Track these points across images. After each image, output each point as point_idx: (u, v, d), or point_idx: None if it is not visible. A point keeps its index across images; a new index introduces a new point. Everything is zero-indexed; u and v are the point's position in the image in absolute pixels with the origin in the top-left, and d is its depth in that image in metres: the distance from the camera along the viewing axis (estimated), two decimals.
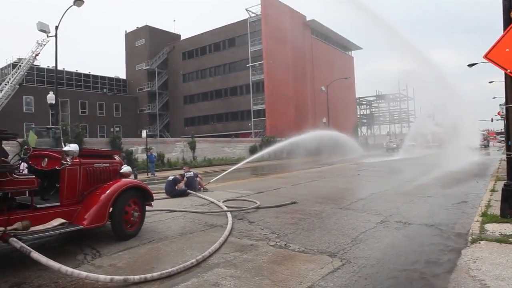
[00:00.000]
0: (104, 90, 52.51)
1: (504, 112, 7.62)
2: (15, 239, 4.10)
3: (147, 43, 54.75)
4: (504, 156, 9.21)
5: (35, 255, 3.97)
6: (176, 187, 10.29)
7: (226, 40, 48.99)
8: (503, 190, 6.27)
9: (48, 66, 46.77)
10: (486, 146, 47.27)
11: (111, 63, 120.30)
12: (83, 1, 19.01)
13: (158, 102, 54.74)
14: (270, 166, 24.43)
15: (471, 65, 27.76)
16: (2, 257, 4.81)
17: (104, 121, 49.95)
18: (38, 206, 4.69)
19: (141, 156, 25.01)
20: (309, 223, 6.63)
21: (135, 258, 4.79)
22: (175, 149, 29.68)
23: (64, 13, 19.65)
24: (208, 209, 8.08)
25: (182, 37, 57.17)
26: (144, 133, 23.62)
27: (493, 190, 9.24)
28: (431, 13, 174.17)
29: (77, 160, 5.21)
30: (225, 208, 7.83)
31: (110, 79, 56.75)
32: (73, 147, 5.26)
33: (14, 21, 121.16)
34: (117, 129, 45.37)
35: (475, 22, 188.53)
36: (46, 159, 5.36)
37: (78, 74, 52.84)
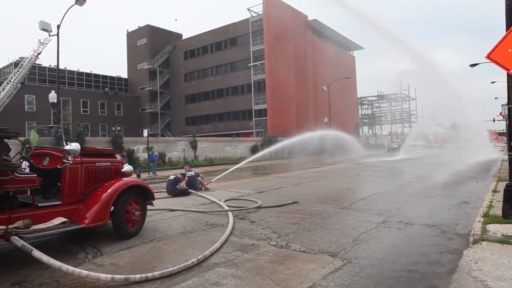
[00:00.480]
0: (106, 89, 52.58)
1: (506, 113, 7.59)
2: (16, 237, 4.11)
3: (149, 42, 54.82)
4: (506, 157, 9.17)
5: (37, 253, 3.98)
6: (177, 186, 10.29)
7: (228, 40, 49.00)
8: (505, 190, 6.24)
9: (50, 65, 46.83)
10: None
11: (113, 63, 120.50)
12: (85, 0, 18.99)
13: (160, 101, 54.80)
14: (271, 166, 24.42)
15: (473, 65, 27.68)
16: (4, 255, 4.82)
17: (105, 120, 50.04)
18: (39, 204, 4.69)
19: (142, 155, 25.02)
20: (310, 223, 6.62)
21: (136, 257, 4.79)
22: (176, 148, 29.70)
23: (66, 12, 19.67)
24: (209, 209, 8.08)
25: (184, 37, 57.26)
26: (145, 132, 23.63)
27: (495, 191, 9.21)
28: (433, 13, 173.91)
29: (79, 159, 5.22)
30: (226, 208, 7.83)
31: (112, 78, 56.83)
32: (74, 146, 5.27)
33: (16, 20, 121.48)
34: (119, 128, 45.41)
35: (478, 22, 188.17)
36: (47, 158, 5.37)
37: (80, 73, 52.93)
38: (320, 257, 4.68)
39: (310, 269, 4.24)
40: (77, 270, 3.88)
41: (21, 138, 5.46)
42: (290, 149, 28.31)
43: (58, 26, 20.08)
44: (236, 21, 48.20)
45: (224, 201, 8.55)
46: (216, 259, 4.65)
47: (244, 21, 47.17)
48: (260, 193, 10.43)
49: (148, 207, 6.23)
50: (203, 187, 11.11)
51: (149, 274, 3.93)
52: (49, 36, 25.97)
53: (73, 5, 19.14)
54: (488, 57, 5.96)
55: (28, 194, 4.79)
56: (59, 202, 4.94)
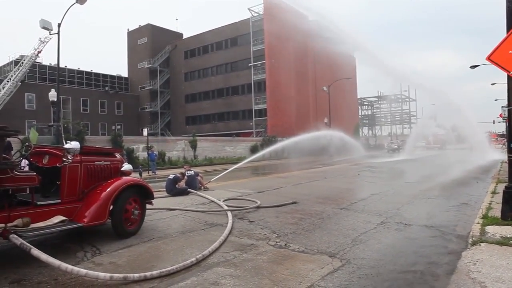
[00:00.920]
0: (106, 88, 52.57)
1: (506, 114, 7.59)
2: (15, 235, 4.11)
3: (149, 41, 54.80)
4: (505, 158, 9.18)
5: (35, 252, 3.98)
6: (177, 186, 10.29)
7: (229, 39, 48.98)
8: (504, 192, 6.25)
9: (50, 64, 46.83)
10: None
11: (113, 61, 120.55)
12: None
13: (160, 101, 54.78)
14: (271, 166, 24.41)
15: (473, 66, 27.68)
16: (3, 253, 4.81)
17: (105, 119, 50.03)
18: (38, 203, 4.69)
19: (142, 155, 25.03)
20: (309, 223, 6.62)
21: (135, 256, 4.79)
22: (176, 147, 29.70)
23: (67, 11, 19.66)
24: (209, 208, 8.08)
25: (184, 36, 57.23)
26: (145, 131, 23.61)
27: (494, 192, 9.22)
28: (433, 13, 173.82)
29: (78, 158, 5.22)
30: (226, 207, 7.83)
31: (112, 77, 56.83)
32: (74, 144, 5.28)
33: (17, 18, 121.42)
34: (119, 127, 45.37)
35: (478, 24, 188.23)
36: (47, 156, 5.37)
37: (80, 72, 52.93)
38: (319, 258, 4.68)
39: (309, 269, 4.24)
40: (76, 268, 3.89)
41: (21, 136, 5.46)
42: (290, 149, 28.31)
43: (59, 25, 20.06)
44: (237, 21, 48.24)
45: (224, 201, 8.55)
46: (215, 258, 4.65)
47: (245, 21, 47.16)
48: (260, 193, 10.43)
49: (147, 206, 6.24)
50: (202, 187, 11.10)
51: (148, 273, 3.93)
52: (50, 34, 26.01)
53: (74, 3, 19.13)
54: (488, 58, 5.96)
55: (28, 192, 4.79)
56: (58, 201, 4.94)
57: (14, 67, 38.07)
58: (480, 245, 4.93)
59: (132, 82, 57.60)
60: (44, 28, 24.27)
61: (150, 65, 54.25)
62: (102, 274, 3.82)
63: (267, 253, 4.88)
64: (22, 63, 36.37)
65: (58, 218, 4.74)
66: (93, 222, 5.07)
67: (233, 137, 38.09)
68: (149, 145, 22.96)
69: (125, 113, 53.03)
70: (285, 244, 5.28)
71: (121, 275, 3.85)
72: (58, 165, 5.03)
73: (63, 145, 5.43)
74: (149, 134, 24.31)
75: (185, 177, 10.70)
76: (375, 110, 79.67)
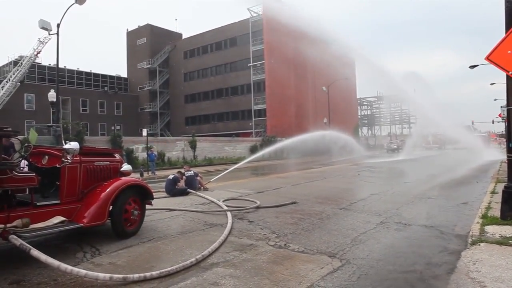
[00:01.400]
0: (105, 89, 52.52)
1: (505, 114, 7.60)
2: (15, 236, 4.10)
3: (149, 41, 54.79)
4: (504, 158, 9.19)
5: (35, 252, 3.97)
6: (176, 186, 10.29)
7: (228, 40, 48.97)
8: (503, 192, 6.26)
9: (50, 64, 46.79)
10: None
11: (113, 62, 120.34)
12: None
13: (159, 101, 54.77)
14: (271, 166, 24.41)
15: (472, 66, 27.73)
16: (2, 254, 4.81)
17: (105, 119, 49.98)
18: (38, 203, 4.68)
19: (141, 155, 25.03)
20: (309, 223, 6.62)
21: (134, 257, 4.79)
22: (175, 148, 29.69)
23: (66, 11, 19.63)
24: (208, 208, 8.07)
25: (184, 36, 57.25)
26: (144, 132, 23.61)
27: (493, 192, 9.23)
28: (433, 14, 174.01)
29: (78, 158, 5.21)
30: (225, 208, 7.82)
31: (111, 77, 56.76)
32: (73, 145, 5.27)
33: (16, 18, 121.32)
34: (118, 127, 45.38)
35: (477, 24, 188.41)
36: (46, 157, 5.36)
37: (80, 72, 52.86)
38: (319, 258, 4.68)
39: (308, 269, 4.24)
40: (75, 269, 3.88)
41: (20, 137, 5.46)
42: (289, 149, 28.32)
43: (58, 25, 20.03)
44: (236, 21, 48.23)
45: (223, 201, 8.55)
46: (215, 259, 4.65)
47: (244, 21, 47.15)
48: (259, 193, 10.42)
49: (147, 206, 6.23)
50: (202, 187, 11.10)
51: (147, 274, 3.93)
52: (49, 35, 25.94)
53: (73, 4, 19.11)
54: (487, 58, 5.97)
55: (27, 193, 4.78)
56: (58, 201, 4.93)
57: (13, 68, 38.05)
58: (479, 244, 4.94)
59: (132, 82, 57.56)
60: (43, 28, 24.23)
61: (150, 66, 54.23)
62: (101, 275, 3.82)
63: (267, 253, 4.88)
64: (21, 63, 36.36)
65: (58, 219, 4.73)
66: (92, 223, 5.07)
67: (232, 137, 38.08)
68: (148, 145, 22.98)
69: (124, 113, 52.99)
70: (285, 244, 5.28)
71: (120, 276, 3.84)
72: (57, 166, 5.03)
73: (63, 145, 5.43)
74: (148, 135, 24.30)
75: (184, 177, 10.70)
76: (374, 110, 79.76)
